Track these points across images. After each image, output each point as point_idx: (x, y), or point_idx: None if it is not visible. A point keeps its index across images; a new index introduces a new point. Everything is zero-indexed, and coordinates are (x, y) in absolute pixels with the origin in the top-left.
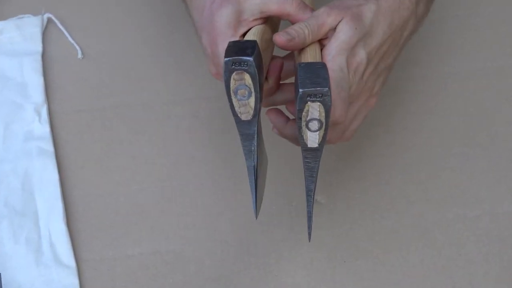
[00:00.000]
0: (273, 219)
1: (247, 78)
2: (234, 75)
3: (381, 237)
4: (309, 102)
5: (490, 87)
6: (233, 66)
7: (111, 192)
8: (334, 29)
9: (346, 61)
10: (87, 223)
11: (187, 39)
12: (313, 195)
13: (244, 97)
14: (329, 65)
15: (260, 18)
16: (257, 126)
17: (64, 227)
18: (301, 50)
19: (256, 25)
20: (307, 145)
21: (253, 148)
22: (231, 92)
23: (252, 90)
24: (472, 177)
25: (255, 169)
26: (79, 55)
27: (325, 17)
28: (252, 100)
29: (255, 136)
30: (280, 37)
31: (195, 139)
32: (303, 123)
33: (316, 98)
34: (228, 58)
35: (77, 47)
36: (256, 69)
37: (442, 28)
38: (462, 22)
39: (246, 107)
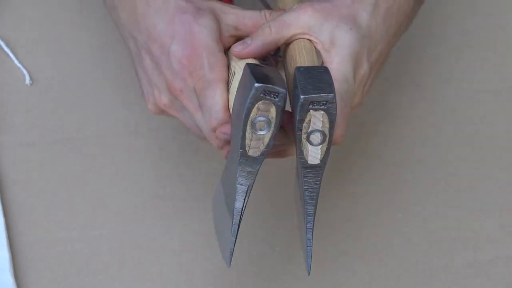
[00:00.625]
0: (254, 267)
1: (273, 111)
2: (260, 104)
3: (380, 285)
4: (311, 111)
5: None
6: (263, 95)
7: (65, 239)
8: (316, 32)
9: (353, 71)
10: (38, 274)
11: None
12: (313, 221)
13: (262, 130)
14: (333, 73)
15: (235, 36)
16: (260, 166)
17: (12, 280)
18: (288, 51)
19: (231, 44)
20: (307, 161)
21: (248, 188)
22: (249, 122)
23: (273, 125)
24: (483, 216)
25: (243, 212)
26: (27, 81)
27: (298, 14)
28: (268, 136)
29: (255, 175)
30: (234, 49)
31: (161, 176)
32: (304, 136)
33: (320, 106)
34: (260, 84)
35: (25, 72)
36: (285, 103)
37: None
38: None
39: (258, 141)
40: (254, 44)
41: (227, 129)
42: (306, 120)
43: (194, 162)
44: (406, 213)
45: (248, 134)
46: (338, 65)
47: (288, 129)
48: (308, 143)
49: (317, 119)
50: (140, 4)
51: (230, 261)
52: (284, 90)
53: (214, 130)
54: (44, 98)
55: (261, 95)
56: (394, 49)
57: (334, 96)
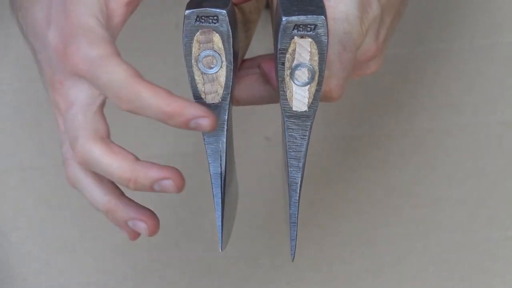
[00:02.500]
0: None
1: (217, 40)
2: (198, 35)
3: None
4: (296, 38)
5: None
6: (198, 22)
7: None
8: None
9: (358, 10)
10: None
11: None
12: (300, 191)
13: (211, 68)
14: (331, 14)
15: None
16: (228, 115)
17: None
18: None
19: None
20: (291, 107)
21: (220, 146)
22: (193, 60)
23: (223, 58)
24: None
25: (223, 178)
26: None
27: None
28: (222, 74)
29: (225, 129)
30: None
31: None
32: (287, 72)
33: (307, 31)
34: (191, 10)
35: None
36: (230, 28)
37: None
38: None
39: (213, 83)
40: None
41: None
42: (290, 50)
43: (175, 198)
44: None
45: (197, 77)
46: (336, 2)
47: (271, 77)
48: (292, 82)
49: (303, 50)
50: None
51: (221, 243)
52: (223, 10)
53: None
54: None
55: (196, 23)
56: None
57: (325, 19)
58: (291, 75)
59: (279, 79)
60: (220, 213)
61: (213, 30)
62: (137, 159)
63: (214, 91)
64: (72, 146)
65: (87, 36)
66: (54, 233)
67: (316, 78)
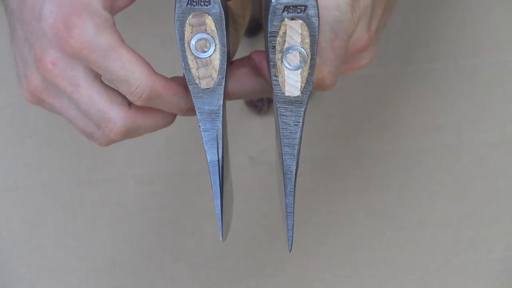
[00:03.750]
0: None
1: (210, 22)
2: (190, 19)
3: None
4: (286, 20)
5: None
6: (190, 5)
7: None
8: None
9: None
10: None
11: None
12: (295, 180)
13: (204, 52)
14: (322, 2)
15: None
16: (223, 101)
17: None
18: None
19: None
20: (284, 92)
21: (217, 132)
22: (185, 44)
23: (217, 41)
24: None
25: (220, 165)
26: None
27: None
28: (216, 57)
29: (221, 115)
30: None
31: (118, 235)
32: (278, 56)
33: (297, 13)
34: None
35: None
36: (222, 9)
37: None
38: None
39: (207, 68)
40: None
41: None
42: (280, 33)
43: (158, 219)
44: None
45: (191, 62)
46: None
47: (262, 67)
48: (284, 66)
49: (294, 32)
50: None
51: (221, 231)
52: None
53: (148, 100)
54: None
55: (188, 6)
56: None
57: (316, 2)
58: (283, 58)
59: (271, 63)
60: (219, 201)
61: (205, 13)
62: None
63: (208, 75)
64: (105, 126)
65: (92, 19)
66: (38, 254)
67: (308, 61)
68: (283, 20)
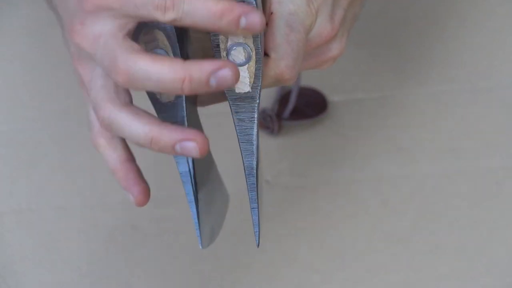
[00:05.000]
0: None
1: (161, 37)
2: (142, 37)
3: None
4: None
5: None
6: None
7: None
8: None
9: None
10: None
11: None
12: (256, 174)
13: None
14: None
15: None
16: (187, 111)
17: None
18: None
19: None
20: (234, 89)
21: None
22: (222, 52)
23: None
24: None
25: (192, 175)
26: None
27: None
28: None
29: (185, 124)
30: None
31: (133, 259)
32: (223, 54)
33: None
34: None
35: None
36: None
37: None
38: None
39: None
40: None
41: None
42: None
43: (172, 242)
44: None
45: None
46: None
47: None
48: None
49: None
50: None
51: (200, 240)
52: None
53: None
54: None
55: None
56: None
57: None
58: (228, 56)
59: None
60: (195, 210)
61: (156, 28)
62: (160, 121)
63: None
64: (112, 68)
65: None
66: (52, 277)
67: (253, 56)
68: None
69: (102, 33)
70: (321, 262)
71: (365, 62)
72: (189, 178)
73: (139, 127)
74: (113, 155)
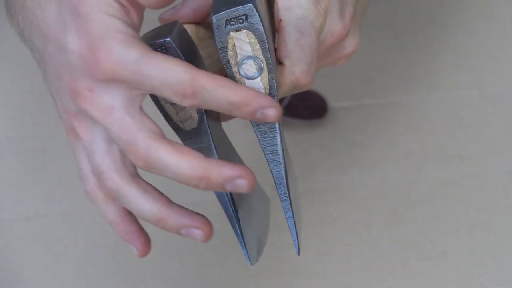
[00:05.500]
0: None
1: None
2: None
3: None
4: (231, 33)
5: None
6: (228, 26)
7: None
8: None
9: None
10: None
11: None
12: (287, 183)
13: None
14: (281, 4)
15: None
16: (212, 134)
17: None
18: None
19: None
20: None
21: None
22: (233, 68)
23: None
24: None
25: (228, 195)
26: None
27: None
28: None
29: (213, 149)
30: (163, 15)
31: (140, 266)
32: (234, 69)
33: (240, 23)
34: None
35: None
36: (180, 53)
37: None
38: None
39: (185, 110)
40: (185, 9)
41: None
42: (230, 46)
43: (181, 248)
44: None
45: (168, 109)
46: None
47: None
48: (243, 78)
49: (242, 42)
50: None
51: (248, 259)
52: (167, 39)
53: (194, 97)
54: None
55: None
56: None
57: (254, 6)
58: (240, 71)
59: (230, 78)
60: (238, 229)
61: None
62: (205, 157)
63: (188, 116)
64: (131, 151)
65: (116, 38)
66: (59, 284)
67: (265, 67)
68: (228, 33)
69: (115, 106)
70: (329, 268)
71: (373, 68)
72: (226, 199)
73: (147, 205)
74: (111, 209)
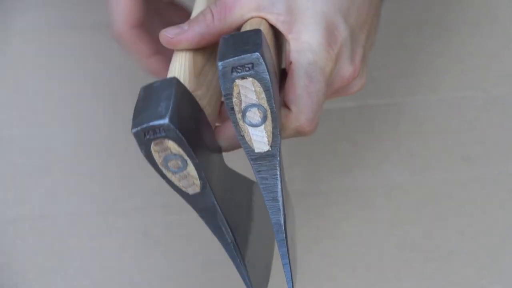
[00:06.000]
0: None
1: (173, 145)
2: (153, 147)
3: None
4: (237, 81)
5: None
6: (147, 137)
7: None
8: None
9: (324, 37)
10: None
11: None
12: (285, 230)
13: (179, 168)
14: (293, 45)
15: None
16: (216, 196)
17: None
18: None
19: None
20: (253, 150)
21: (220, 223)
22: (160, 167)
23: (187, 157)
24: None
25: (235, 246)
26: None
27: None
28: (191, 169)
29: (218, 210)
30: (164, 33)
31: (145, 266)
32: (238, 116)
33: (246, 71)
34: (136, 129)
35: None
36: (179, 131)
37: None
38: None
39: (187, 178)
40: (191, 33)
41: None
42: (235, 93)
43: (186, 249)
44: None
45: (171, 178)
46: (298, 33)
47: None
48: (246, 125)
49: (247, 90)
50: None
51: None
52: (164, 122)
53: None
54: None
55: (146, 137)
56: None
57: (261, 55)
58: (244, 118)
59: (233, 124)
60: (245, 277)
61: (164, 138)
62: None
63: (191, 183)
64: None
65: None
66: (64, 284)
67: (269, 115)
68: (234, 81)
69: None
70: (333, 269)
71: (377, 68)
72: (232, 250)
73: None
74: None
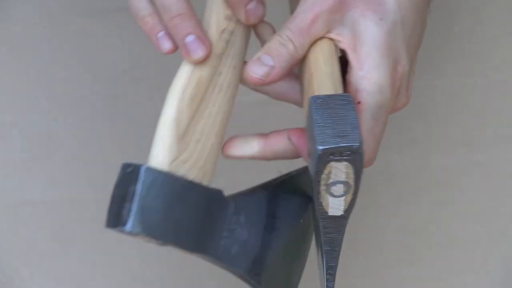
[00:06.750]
0: None
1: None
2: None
3: None
4: (332, 163)
5: None
6: (331, 157)
7: None
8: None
9: (390, 74)
10: None
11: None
12: (335, 275)
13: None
14: (363, 85)
15: None
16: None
17: None
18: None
19: None
20: (327, 212)
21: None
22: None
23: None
24: None
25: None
26: None
27: (316, 9)
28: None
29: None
30: (252, 74)
31: (146, 251)
32: (323, 187)
33: (343, 157)
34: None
35: None
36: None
37: None
38: None
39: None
40: (280, 70)
41: None
42: (325, 172)
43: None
44: None
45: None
46: (369, 71)
47: (301, 150)
48: (328, 195)
49: (339, 171)
50: None
51: None
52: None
53: None
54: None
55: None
56: None
57: (361, 144)
58: (327, 190)
59: (315, 191)
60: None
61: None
62: None
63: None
64: None
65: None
66: (65, 269)
67: (352, 189)
68: (329, 163)
69: None
70: None
71: None
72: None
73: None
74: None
